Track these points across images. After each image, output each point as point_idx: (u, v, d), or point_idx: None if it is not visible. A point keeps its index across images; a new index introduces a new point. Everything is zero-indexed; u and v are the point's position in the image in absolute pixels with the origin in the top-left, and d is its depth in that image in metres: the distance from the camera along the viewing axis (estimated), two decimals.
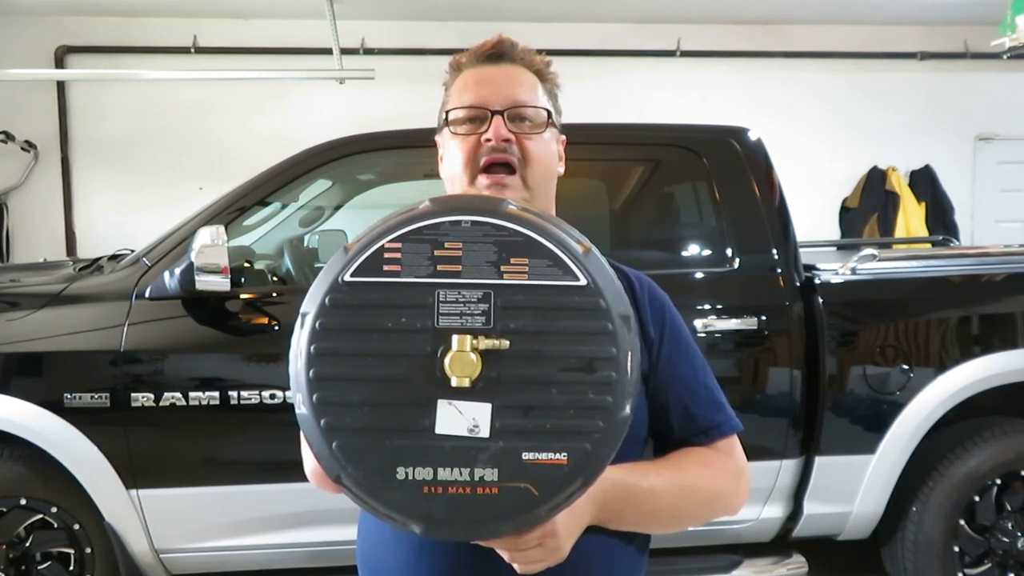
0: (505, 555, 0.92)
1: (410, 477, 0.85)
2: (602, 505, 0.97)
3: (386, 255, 0.87)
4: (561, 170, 1.17)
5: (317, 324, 0.86)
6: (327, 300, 0.87)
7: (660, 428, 1.10)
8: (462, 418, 0.85)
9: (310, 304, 0.87)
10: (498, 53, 1.13)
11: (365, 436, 0.85)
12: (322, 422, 0.85)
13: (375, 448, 0.85)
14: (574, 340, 0.86)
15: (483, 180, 1.08)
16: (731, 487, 1.10)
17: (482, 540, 0.90)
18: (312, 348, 0.86)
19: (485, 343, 0.84)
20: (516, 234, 0.87)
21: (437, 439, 0.85)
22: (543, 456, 0.84)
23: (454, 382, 0.84)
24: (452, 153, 1.11)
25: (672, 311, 1.14)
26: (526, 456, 0.84)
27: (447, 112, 1.13)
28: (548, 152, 1.13)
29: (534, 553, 0.91)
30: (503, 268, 0.86)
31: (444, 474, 0.84)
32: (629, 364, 0.86)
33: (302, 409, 0.87)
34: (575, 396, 0.85)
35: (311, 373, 0.86)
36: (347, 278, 0.87)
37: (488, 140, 1.08)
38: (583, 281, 0.87)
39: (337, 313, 0.86)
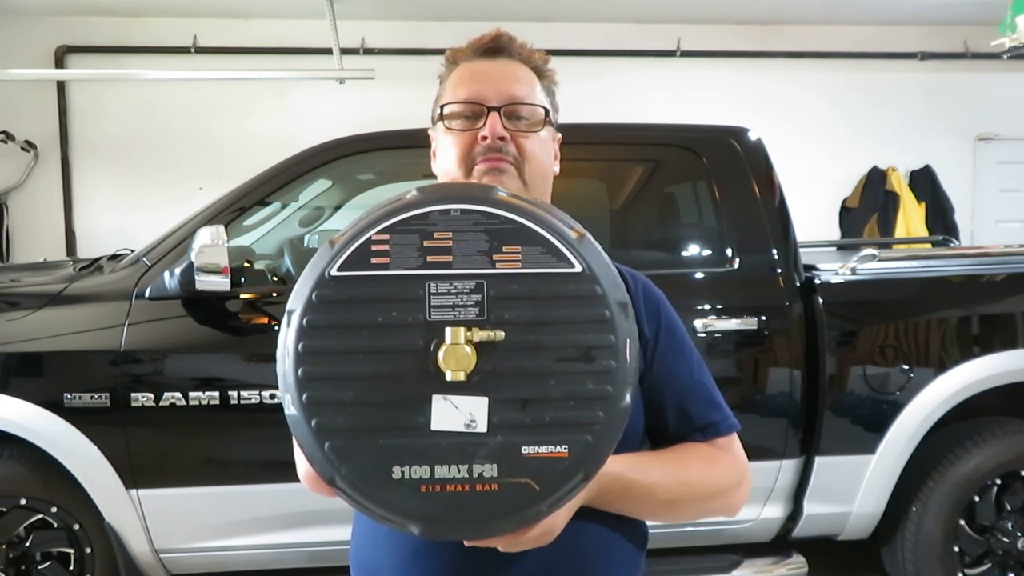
0: (499, 545, 0.91)
1: (407, 476, 0.82)
2: (596, 495, 0.96)
3: (373, 247, 0.84)
4: (557, 169, 1.15)
5: (304, 321, 0.84)
6: (314, 296, 0.84)
7: (656, 427, 1.09)
8: (458, 413, 0.82)
9: (296, 301, 0.85)
10: (496, 47, 1.11)
11: (358, 436, 0.83)
12: (313, 423, 0.83)
13: (369, 448, 0.83)
14: (571, 329, 0.84)
15: (481, 167, 1.05)
16: (731, 486, 1.09)
17: (482, 539, 0.88)
18: (300, 346, 0.83)
19: (479, 335, 0.82)
20: (507, 221, 0.85)
21: (433, 436, 0.82)
22: (543, 449, 0.82)
23: (448, 376, 0.81)
24: (446, 149, 1.09)
25: (668, 309, 1.12)
26: (526, 450, 0.82)
27: (442, 106, 1.10)
28: (544, 150, 1.10)
29: (526, 542, 0.90)
30: (495, 257, 0.84)
31: (442, 472, 0.82)
32: (628, 352, 0.84)
33: (291, 410, 0.84)
34: (574, 387, 0.83)
35: (300, 372, 0.83)
36: (334, 272, 0.84)
37: (484, 138, 1.05)
38: (578, 268, 0.85)
39: (325, 309, 0.84)
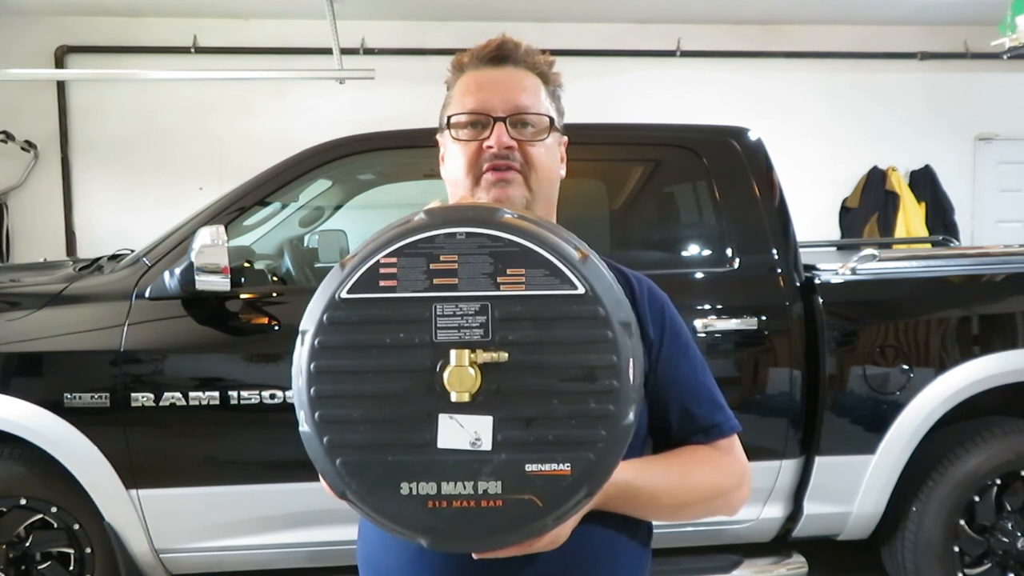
0: (506, 555, 0.92)
1: (414, 492, 0.85)
2: (603, 501, 0.98)
3: (382, 270, 0.87)
4: (563, 172, 1.17)
5: (316, 342, 0.87)
6: (325, 318, 0.87)
7: (659, 427, 1.10)
8: (464, 432, 0.85)
9: (309, 322, 0.88)
10: (501, 55, 1.12)
11: (368, 453, 0.86)
12: (325, 440, 0.86)
13: (378, 464, 0.86)
14: (574, 349, 0.85)
15: (489, 176, 1.07)
16: (733, 488, 1.11)
17: (488, 551, 0.90)
18: (312, 366, 0.86)
19: (483, 356, 0.84)
20: (512, 244, 0.87)
21: (440, 453, 0.85)
22: (546, 467, 0.85)
23: (454, 397, 0.84)
24: (454, 158, 1.11)
25: (672, 311, 1.14)
26: (529, 468, 0.85)
27: (449, 117, 1.12)
28: (551, 158, 1.12)
29: (532, 551, 0.92)
30: (500, 279, 0.86)
31: (448, 488, 0.85)
32: (631, 371, 0.86)
33: (305, 427, 0.87)
34: (577, 406, 0.85)
35: (312, 391, 0.86)
36: (344, 295, 0.87)
37: (490, 147, 1.07)
38: (581, 289, 0.86)
39: (335, 330, 0.87)
